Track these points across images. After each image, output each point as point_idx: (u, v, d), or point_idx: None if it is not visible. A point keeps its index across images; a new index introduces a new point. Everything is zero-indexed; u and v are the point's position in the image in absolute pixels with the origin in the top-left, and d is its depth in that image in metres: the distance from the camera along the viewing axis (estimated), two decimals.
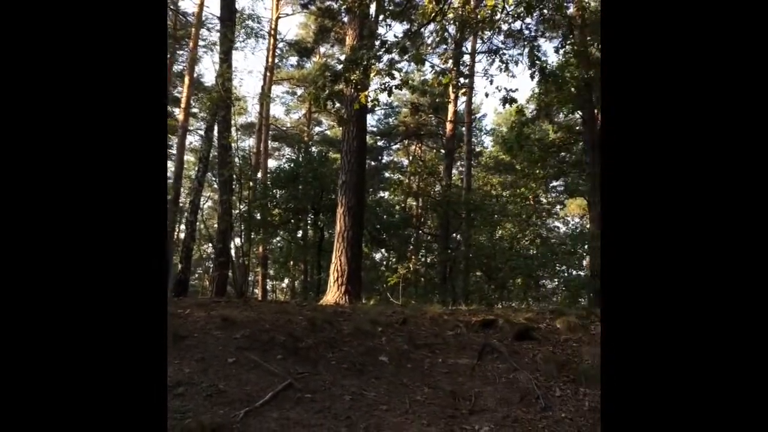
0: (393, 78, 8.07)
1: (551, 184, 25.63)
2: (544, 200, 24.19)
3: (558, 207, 25.10)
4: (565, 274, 19.49)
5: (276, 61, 25.22)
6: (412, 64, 8.55)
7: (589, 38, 13.63)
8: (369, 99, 8.31)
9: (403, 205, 23.01)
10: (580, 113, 15.07)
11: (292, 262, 20.75)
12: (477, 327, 6.50)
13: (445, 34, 10.07)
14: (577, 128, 17.22)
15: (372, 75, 8.12)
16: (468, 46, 18.91)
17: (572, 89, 12.22)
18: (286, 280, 25.68)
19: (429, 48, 11.95)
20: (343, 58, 10.44)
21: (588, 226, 16.31)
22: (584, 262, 18.85)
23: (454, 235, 19.86)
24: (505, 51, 10.02)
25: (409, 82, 10.39)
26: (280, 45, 25.33)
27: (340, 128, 11.90)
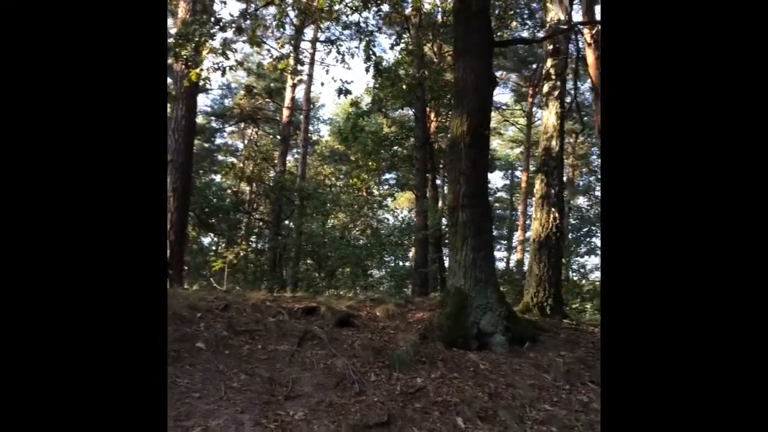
0: (227, 58, 7.85)
1: (383, 177, 26.40)
2: (376, 192, 24.85)
3: (389, 199, 25.86)
4: (392, 265, 20.23)
5: None
6: (250, 45, 8.37)
7: (424, 39, 14.18)
8: (201, 77, 8.01)
9: (235, 189, 22.46)
10: (413, 110, 15.66)
11: None
12: (299, 314, 6.54)
13: (285, 19, 9.95)
14: (410, 124, 17.86)
15: (204, 52, 7.84)
16: (311, 34, 18.90)
17: (404, 86, 12.65)
18: None
19: (268, 31, 11.75)
20: (173, 31, 9.94)
21: (415, 219, 17.02)
22: (410, 254, 19.70)
23: (287, 222, 19.78)
24: (342, 42, 10.13)
25: (244, 64, 10.16)
26: None
27: (169, 105, 11.33)
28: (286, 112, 19.37)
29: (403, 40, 13.22)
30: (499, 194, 34.85)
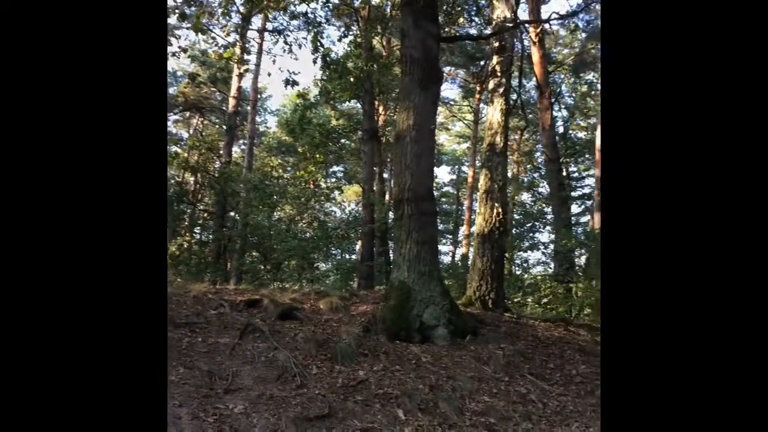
0: (170, 44, 7.67)
1: (331, 170, 26.32)
2: (324, 185, 24.74)
3: (336, 192, 25.81)
4: (339, 258, 20.21)
5: None
6: (195, 32, 8.19)
7: (372, 32, 14.15)
8: None
9: (179, 179, 22.00)
10: (361, 103, 15.63)
11: None
12: (242, 306, 6.47)
13: (231, 6, 9.77)
14: (358, 117, 17.84)
15: None
16: (259, 23, 18.59)
17: (352, 79, 12.61)
18: None
19: (214, 19, 11.51)
20: None
21: (362, 212, 17.03)
22: (357, 247, 19.72)
23: (232, 213, 19.49)
24: (289, 32, 10.02)
25: (188, 51, 9.95)
26: None
27: None
28: (232, 102, 19.04)
29: (351, 33, 13.17)
30: (445, 189, 35.19)
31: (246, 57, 12.50)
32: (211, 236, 19.34)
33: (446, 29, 13.52)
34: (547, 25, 14.18)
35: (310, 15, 9.29)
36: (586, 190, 27.01)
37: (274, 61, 24.88)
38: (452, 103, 28.99)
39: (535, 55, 14.69)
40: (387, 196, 17.41)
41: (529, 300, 11.08)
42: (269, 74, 28.84)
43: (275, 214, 19.41)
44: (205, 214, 21.39)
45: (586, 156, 25.25)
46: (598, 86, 19.35)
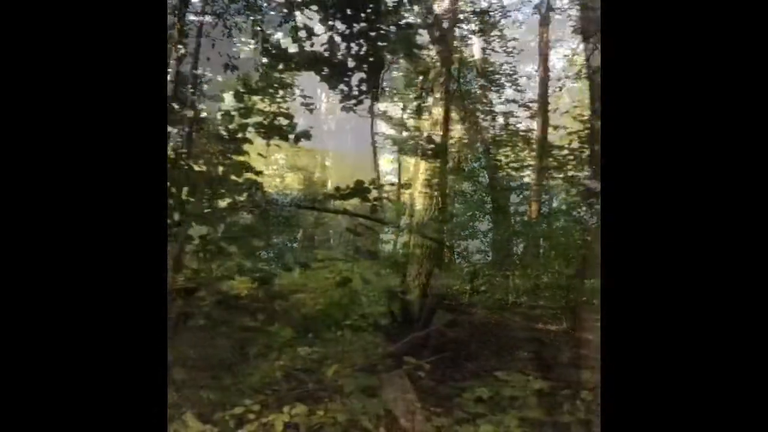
0: None
1: (273, 157, 26.00)
2: (266, 172, 24.46)
3: (278, 180, 25.56)
4: (280, 245, 20.05)
5: None
6: None
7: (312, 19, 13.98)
8: None
9: None
10: (302, 90, 15.46)
11: None
12: (179, 295, 6.34)
13: None
14: (300, 104, 17.65)
15: None
16: (199, 7, 18.11)
17: (293, 65, 12.45)
18: None
19: None
20: None
21: (304, 199, 16.97)
22: (298, 235, 19.63)
23: (170, 201, 19.07)
24: (229, 16, 9.83)
25: None
26: None
27: None
28: (170, 87, 18.56)
29: (292, 19, 12.99)
30: (387, 177, 35.25)
31: (184, 40, 12.19)
32: None
33: (387, 17, 13.51)
34: (487, 16, 14.35)
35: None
36: (525, 180, 27.55)
37: (213, 45, 24.28)
38: (395, 91, 29.02)
39: (476, 45, 14.86)
40: (329, 185, 17.36)
41: (468, 288, 11.26)
42: (208, 59, 28.08)
43: (216, 201, 19.10)
44: None
45: (525, 146, 25.71)
46: (537, 78, 19.71)
